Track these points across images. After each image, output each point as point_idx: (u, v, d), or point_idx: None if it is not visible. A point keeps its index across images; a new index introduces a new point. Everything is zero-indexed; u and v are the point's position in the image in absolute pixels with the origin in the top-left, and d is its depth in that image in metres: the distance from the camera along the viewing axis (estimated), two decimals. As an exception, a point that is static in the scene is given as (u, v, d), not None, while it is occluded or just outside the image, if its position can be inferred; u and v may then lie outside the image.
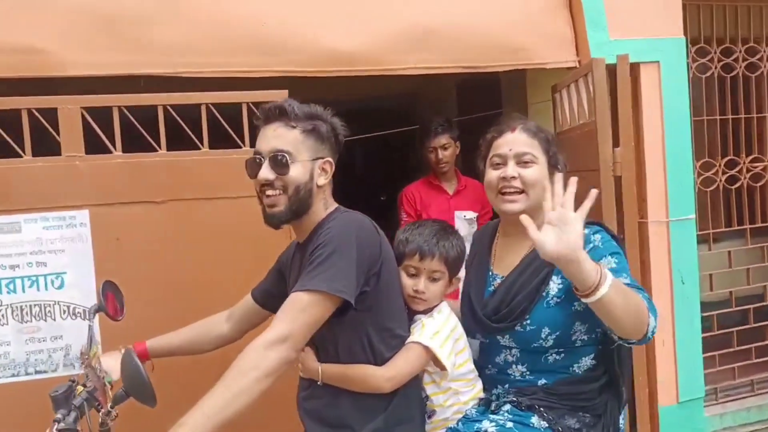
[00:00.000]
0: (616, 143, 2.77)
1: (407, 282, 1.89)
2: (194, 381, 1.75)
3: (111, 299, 1.84)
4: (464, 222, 3.61)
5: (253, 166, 1.78)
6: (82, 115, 2.54)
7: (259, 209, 1.84)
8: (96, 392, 1.62)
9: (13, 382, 2.50)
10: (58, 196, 2.54)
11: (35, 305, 2.54)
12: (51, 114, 2.52)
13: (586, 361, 1.83)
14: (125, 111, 2.58)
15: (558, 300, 1.78)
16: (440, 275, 1.88)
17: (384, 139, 7.20)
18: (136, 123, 2.56)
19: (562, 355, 1.81)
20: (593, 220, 1.79)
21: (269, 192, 1.76)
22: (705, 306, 3.68)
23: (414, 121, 7.14)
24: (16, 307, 2.52)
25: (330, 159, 1.84)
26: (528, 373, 1.83)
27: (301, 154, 1.77)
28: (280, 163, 1.74)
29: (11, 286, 2.52)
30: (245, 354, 1.55)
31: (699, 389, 3.61)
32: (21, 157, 2.52)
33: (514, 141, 1.82)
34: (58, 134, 2.53)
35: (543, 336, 1.78)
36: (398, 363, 1.78)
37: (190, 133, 2.65)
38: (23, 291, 2.53)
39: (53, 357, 2.54)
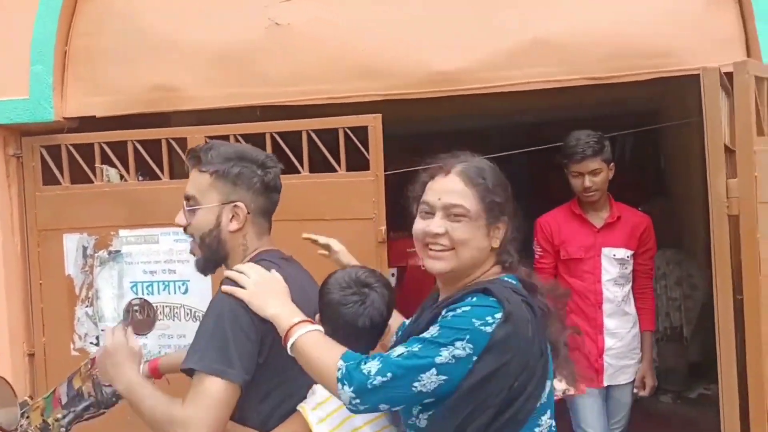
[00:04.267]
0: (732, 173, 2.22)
1: None
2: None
3: (135, 318, 2.08)
4: (613, 262, 2.98)
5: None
6: (205, 143, 2.90)
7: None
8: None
9: (146, 370, 2.97)
10: (186, 213, 2.94)
11: (166, 306, 2.98)
12: (180, 142, 2.92)
13: None
14: (239, 138, 2.86)
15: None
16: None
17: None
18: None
19: None
20: (489, 290, 1.45)
21: (189, 239, 1.76)
22: None
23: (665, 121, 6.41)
24: (153, 306, 2.99)
25: (241, 203, 1.70)
26: None
27: (206, 198, 1.70)
28: (187, 208, 1.72)
29: (150, 289, 3.00)
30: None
31: None
32: (160, 179, 2.97)
33: (444, 189, 1.52)
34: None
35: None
36: (280, 428, 1.68)
37: (291, 157, 2.84)
38: (158, 293, 2.99)
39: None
